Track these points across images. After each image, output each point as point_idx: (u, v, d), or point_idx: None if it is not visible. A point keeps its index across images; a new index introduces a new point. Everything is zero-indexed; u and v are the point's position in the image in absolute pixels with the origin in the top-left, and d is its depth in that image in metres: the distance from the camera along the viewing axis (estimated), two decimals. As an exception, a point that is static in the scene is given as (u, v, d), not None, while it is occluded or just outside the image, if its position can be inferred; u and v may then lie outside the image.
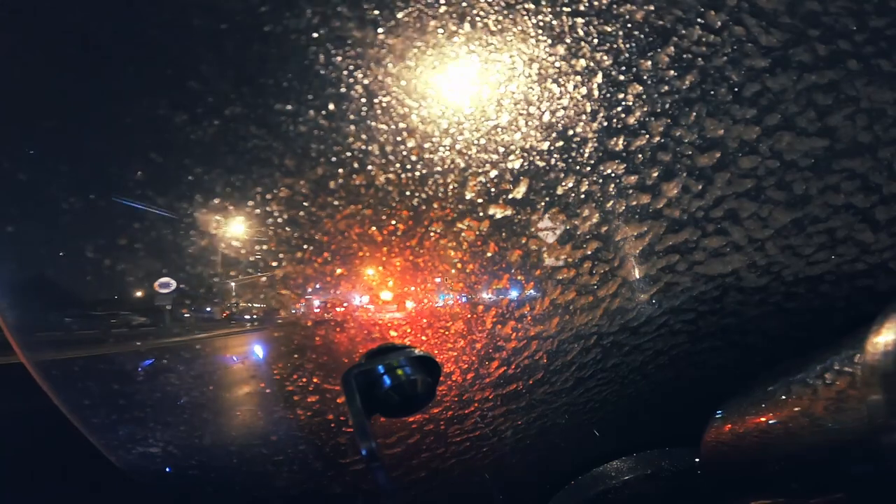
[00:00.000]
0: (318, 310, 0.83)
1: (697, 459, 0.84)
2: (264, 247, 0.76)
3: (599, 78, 0.67)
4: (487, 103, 0.70)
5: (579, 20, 0.65)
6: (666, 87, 0.67)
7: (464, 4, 0.65)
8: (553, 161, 0.71)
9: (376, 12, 0.65)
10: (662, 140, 0.69)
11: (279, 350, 0.88)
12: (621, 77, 0.67)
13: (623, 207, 0.72)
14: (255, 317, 0.83)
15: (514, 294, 0.81)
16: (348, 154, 0.72)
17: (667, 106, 0.68)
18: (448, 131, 0.70)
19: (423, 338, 0.83)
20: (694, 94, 0.67)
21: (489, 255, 0.77)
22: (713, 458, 0.78)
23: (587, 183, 0.72)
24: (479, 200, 0.74)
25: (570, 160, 0.71)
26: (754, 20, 0.64)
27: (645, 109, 0.68)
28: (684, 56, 0.66)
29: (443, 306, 0.83)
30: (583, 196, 0.73)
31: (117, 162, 0.73)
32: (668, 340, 0.81)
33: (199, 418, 0.85)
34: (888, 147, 0.66)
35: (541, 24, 0.65)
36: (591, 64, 0.67)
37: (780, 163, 0.68)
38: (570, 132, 0.70)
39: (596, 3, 0.64)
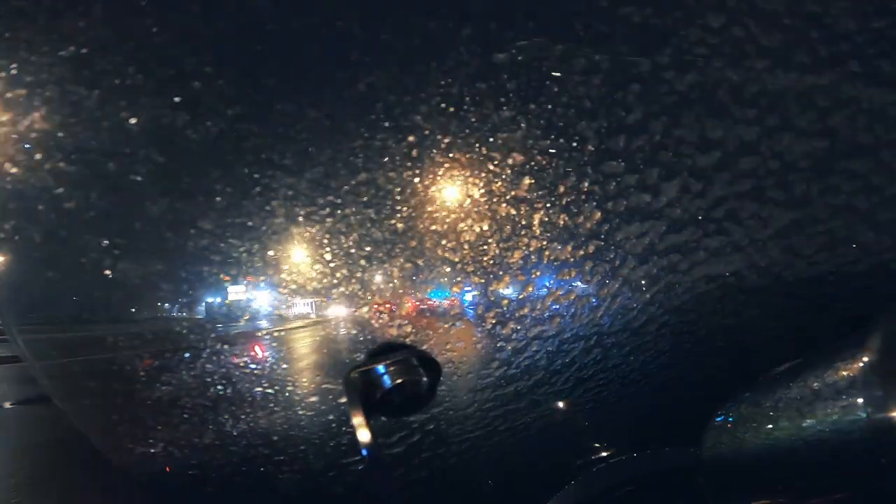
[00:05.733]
0: (318, 309, 0.83)
1: (697, 459, 0.84)
2: (264, 247, 0.76)
3: (600, 77, 0.67)
4: (488, 101, 0.70)
5: (580, 20, 0.65)
6: (666, 87, 0.67)
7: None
8: (554, 160, 0.71)
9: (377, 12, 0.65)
10: (662, 140, 0.69)
11: (279, 350, 0.88)
12: (622, 76, 0.67)
13: (623, 207, 0.72)
14: (255, 317, 0.83)
15: (514, 294, 0.81)
16: (349, 153, 0.72)
17: (667, 106, 0.68)
18: (448, 128, 0.70)
19: (423, 338, 0.83)
20: (694, 94, 0.67)
21: (489, 255, 0.77)
22: (713, 458, 0.77)
23: (588, 182, 0.72)
24: (480, 200, 0.74)
25: (571, 159, 0.71)
26: (754, 20, 0.64)
27: (645, 109, 0.68)
28: (684, 56, 0.66)
29: (443, 306, 0.83)
30: (583, 195, 0.73)
31: (118, 161, 0.73)
32: (669, 340, 0.81)
33: (199, 418, 0.85)
34: (889, 148, 0.66)
35: (542, 23, 0.65)
36: (592, 63, 0.67)
37: (781, 163, 0.68)
38: (571, 131, 0.70)
39: (597, 3, 0.64)
